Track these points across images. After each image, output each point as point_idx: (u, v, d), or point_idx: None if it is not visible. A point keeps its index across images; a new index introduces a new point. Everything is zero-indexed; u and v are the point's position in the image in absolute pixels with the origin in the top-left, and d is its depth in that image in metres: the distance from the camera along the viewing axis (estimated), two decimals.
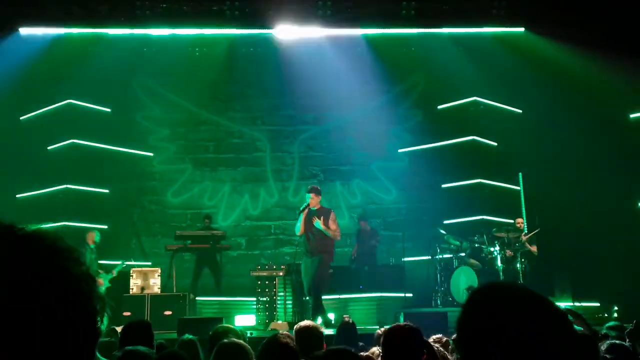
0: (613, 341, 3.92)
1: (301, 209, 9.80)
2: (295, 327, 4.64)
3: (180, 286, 12.62)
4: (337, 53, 15.17)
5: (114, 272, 11.63)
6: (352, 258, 13.60)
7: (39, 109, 13.84)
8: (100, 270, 11.39)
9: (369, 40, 15.21)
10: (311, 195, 9.80)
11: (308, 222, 9.69)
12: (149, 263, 13.44)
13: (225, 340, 3.94)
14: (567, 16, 13.38)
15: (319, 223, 9.63)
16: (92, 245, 11.53)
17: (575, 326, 4.68)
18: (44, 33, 14.24)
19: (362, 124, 15.54)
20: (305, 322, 4.67)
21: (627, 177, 12.64)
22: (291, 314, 11.59)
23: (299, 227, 9.78)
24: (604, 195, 12.60)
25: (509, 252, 11.66)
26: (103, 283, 11.11)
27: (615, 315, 10.82)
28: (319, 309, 9.75)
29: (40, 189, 13.23)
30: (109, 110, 14.18)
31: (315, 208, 9.72)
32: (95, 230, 11.89)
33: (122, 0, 14.01)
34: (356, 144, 15.62)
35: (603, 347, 3.75)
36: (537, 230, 12.08)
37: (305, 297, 10.03)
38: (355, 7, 14.55)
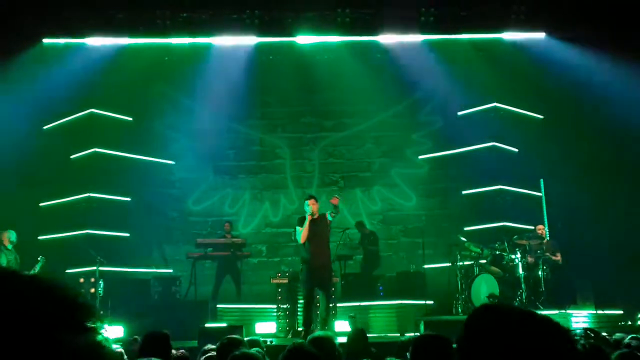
0: (622, 350, 3.87)
1: (307, 215, 9.79)
2: (308, 337, 4.61)
3: (201, 293, 12.69)
4: (356, 60, 15.21)
5: (36, 269, 11.00)
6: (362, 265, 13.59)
7: (62, 119, 13.98)
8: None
9: (388, 47, 15.22)
10: (312, 201, 9.77)
11: (314, 230, 9.72)
12: (170, 270, 13.54)
13: (237, 353, 3.94)
14: (588, 21, 13.28)
15: (329, 215, 9.83)
16: (9, 246, 11.29)
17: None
18: (66, 43, 14.45)
19: (382, 130, 15.57)
20: (319, 333, 4.64)
21: None
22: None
23: (302, 234, 9.81)
24: (626, 202, 12.47)
25: (530, 259, 11.56)
26: None
27: (639, 322, 10.68)
28: (329, 315, 9.92)
29: (62, 197, 13.35)
30: (130, 119, 14.29)
31: (316, 216, 9.81)
32: (10, 230, 11.46)
33: (142, 9, 14.16)
34: (376, 150, 15.64)
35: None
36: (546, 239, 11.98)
37: (311, 306, 9.96)
38: (374, 15, 14.58)
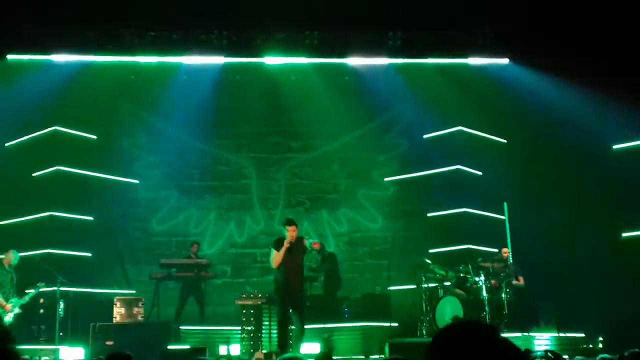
0: None
1: (285, 242, 9.60)
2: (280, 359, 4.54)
3: (164, 315, 12.52)
4: (324, 82, 15.28)
5: (26, 298, 10.72)
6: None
7: (25, 135, 13.78)
8: (14, 296, 10.70)
9: (356, 69, 15.34)
10: (293, 227, 9.62)
11: (290, 253, 9.58)
12: (133, 291, 13.34)
13: None
14: (550, 48, 13.57)
15: (307, 244, 9.79)
16: (9, 268, 11.11)
17: None
18: (31, 59, 14.26)
19: (349, 152, 15.63)
20: (288, 355, 4.59)
21: (611, 208, 12.73)
22: (276, 343, 11.50)
23: (276, 260, 9.61)
24: (588, 225, 12.68)
25: (494, 282, 11.64)
26: (10, 309, 10.44)
27: (600, 345, 10.83)
28: (303, 337, 9.76)
29: (24, 215, 13.11)
30: (94, 137, 14.13)
31: (294, 240, 9.63)
32: (14, 251, 11.18)
33: (110, 28, 14.07)
34: (342, 172, 15.67)
35: None
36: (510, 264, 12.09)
37: (287, 329, 9.84)
38: (342, 37, 14.70)
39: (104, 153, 14.32)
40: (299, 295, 9.80)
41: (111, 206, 14.52)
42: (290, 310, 9.70)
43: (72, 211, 13.31)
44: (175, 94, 14.98)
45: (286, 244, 9.48)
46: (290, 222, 9.71)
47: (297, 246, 9.64)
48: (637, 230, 12.58)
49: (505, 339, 1.53)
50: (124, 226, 15.01)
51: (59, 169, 13.41)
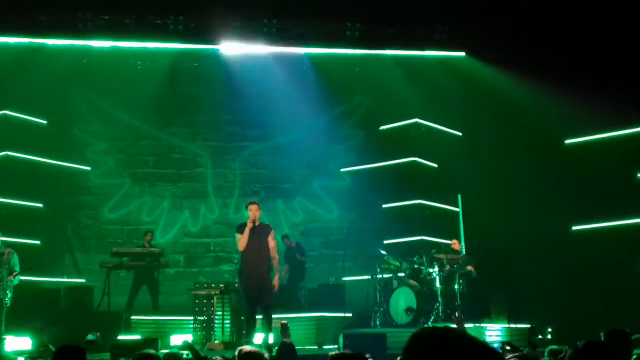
0: None
1: (249, 221, 9.45)
2: (239, 351, 4.42)
3: (115, 304, 12.29)
4: (281, 71, 15.19)
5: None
6: (284, 277, 13.38)
7: None
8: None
9: (314, 59, 15.29)
10: (254, 207, 9.49)
11: (253, 238, 9.44)
12: (83, 280, 13.09)
13: None
14: (506, 43, 13.72)
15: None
16: None
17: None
18: None
19: (305, 142, 15.56)
20: (249, 347, 4.48)
21: (562, 200, 12.96)
22: (229, 333, 11.41)
23: (241, 242, 9.44)
24: (539, 218, 12.89)
25: (446, 269, 11.71)
26: None
27: (549, 336, 11.02)
28: (270, 327, 9.64)
29: None
30: (45, 122, 13.77)
31: (257, 223, 9.49)
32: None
33: (63, 10, 13.70)
34: (299, 161, 15.62)
35: None
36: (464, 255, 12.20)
37: (253, 316, 9.70)
38: (301, 26, 14.63)
39: (54, 138, 13.97)
40: (262, 281, 9.48)
41: (61, 193, 14.18)
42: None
43: (20, 197, 12.96)
44: (130, 80, 14.70)
45: (249, 224, 9.34)
46: (251, 202, 9.61)
47: (262, 232, 9.49)
48: (586, 223, 12.85)
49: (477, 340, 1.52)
50: (74, 213, 14.71)
51: (8, 154, 13.05)
